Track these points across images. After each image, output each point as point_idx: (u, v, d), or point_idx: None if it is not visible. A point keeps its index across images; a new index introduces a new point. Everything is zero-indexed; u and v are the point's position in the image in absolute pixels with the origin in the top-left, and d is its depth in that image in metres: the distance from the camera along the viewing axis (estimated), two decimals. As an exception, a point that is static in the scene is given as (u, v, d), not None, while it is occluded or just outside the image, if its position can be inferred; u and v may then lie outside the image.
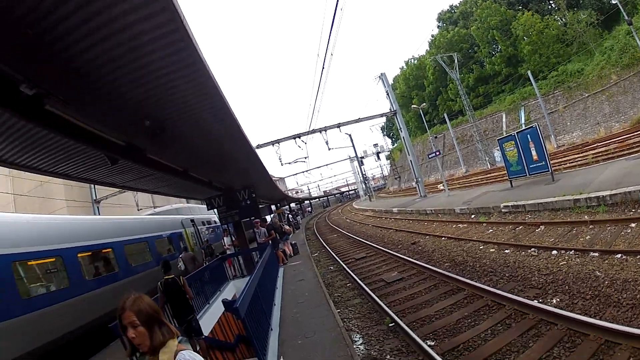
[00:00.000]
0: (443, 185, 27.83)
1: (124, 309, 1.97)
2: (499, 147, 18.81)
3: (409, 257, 11.42)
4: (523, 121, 37.09)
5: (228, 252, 16.99)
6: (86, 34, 3.68)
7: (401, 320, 6.55)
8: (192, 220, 21.57)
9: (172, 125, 6.50)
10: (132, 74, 4.55)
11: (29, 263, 8.43)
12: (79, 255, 10.21)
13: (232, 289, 13.02)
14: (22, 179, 26.48)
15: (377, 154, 64.38)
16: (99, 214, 26.89)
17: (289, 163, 41.42)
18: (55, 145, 6.37)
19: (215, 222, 24.97)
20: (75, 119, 5.62)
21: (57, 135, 5.66)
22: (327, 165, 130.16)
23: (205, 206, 16.38)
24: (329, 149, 31.47)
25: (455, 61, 45.48)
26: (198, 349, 7.35)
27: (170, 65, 4.55)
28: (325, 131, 27.44)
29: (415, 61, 64.85)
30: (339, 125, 28.20)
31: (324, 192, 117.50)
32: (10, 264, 7.75)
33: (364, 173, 65.00)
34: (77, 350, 8.46)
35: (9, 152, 6.33)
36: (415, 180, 31.64)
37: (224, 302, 5.58)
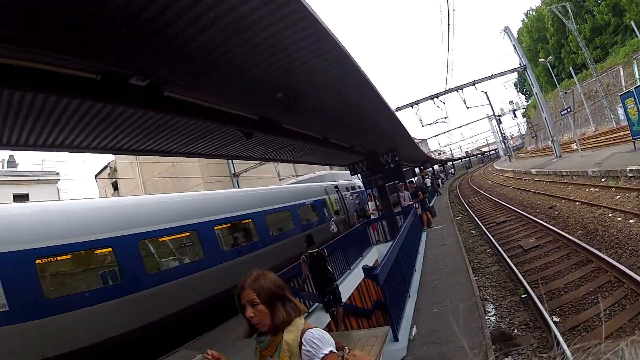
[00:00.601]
0: (576, 145, 25.85)
1: (243, 288, 1.92)
2: (621, 104, 16.21)
3: (546, 222, 11.20)
4: (638, 76, 30.33)
5: (372, 217, 17.16)
6: (194, 18, 3.70)
7: (533, 291, 6.38)
8: (335, 187, 22.15)
9: (306, 95, 6.54)
10: (252, 50, 4.55)
11: (160, 240, 9.28)
12: (215, 228, 11.00)
13: (374, 254, 13.12)
14: (152, 162, 28.82)
15: (514, 111, 60.50)
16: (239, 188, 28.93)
17: (430, 124, 42.64)
18: (184, 128, 6.80)
19: (359, 187, 25.39)
20: (201, 100, 5.89)
21: (182, 117, 6.05)
22: (467, 125, 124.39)
23: (349, 172, 16.57)
24: (467, 108, 31.31)
25: (569, 11, 39.00)
26: (335, 314, 7.50)
27: (290, 37, 4.49)
28: (462, 89, 27.32)
29: (534, 12, 59.14)
30: (473, 83, 27.76)
31: (466, 152, 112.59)
32: (137, 242, 8.64)
33: (502, 132, 61.92)
34: (212, 316, 9.11)
35: (131, 141, 6.81)
36: (550, 138, 30.00)
37: (364, 268, 5.60)
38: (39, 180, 21.73)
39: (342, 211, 21.42)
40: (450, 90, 27.45)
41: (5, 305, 6.70)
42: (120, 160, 33.00)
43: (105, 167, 35.84)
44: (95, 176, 37.20)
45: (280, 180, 30.60)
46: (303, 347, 1.78)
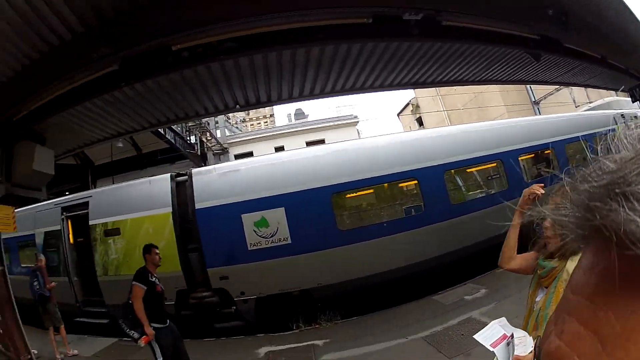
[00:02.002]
0: None
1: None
2: None
3: None
4: None
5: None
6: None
7: None
8: (622, 115, 17.97)
9: (576, 8, 5.88)
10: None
11: (464, 170, 9.32)
12: (520, 157, 10.47)
13: None
14: (454, 94, 28.03)
15: None
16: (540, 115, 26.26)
17: None
18: (469, 54, 6.88)
19: None
20: (480, 24, 5.86)
21: (464, 44, 6.17)
22: None
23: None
24: None
25: None
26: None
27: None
28: None
29: None
30: None
31: None
32: (442, 173, 8.72)
33: None
34: None
35: (417, 74, 7.19)
36: None
37: None
38: (337, 125, 23.87)
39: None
40: None
41: (289, 239, 7.95)
42: (422, 96, 34.46)
43: (407, 105, 38.02)
44: (398, 114, 39.89)
45: (576, 107, 26.13)
46: None
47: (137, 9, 4.08)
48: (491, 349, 1.75)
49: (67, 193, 13.85)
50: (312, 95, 7.34)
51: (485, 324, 1.94)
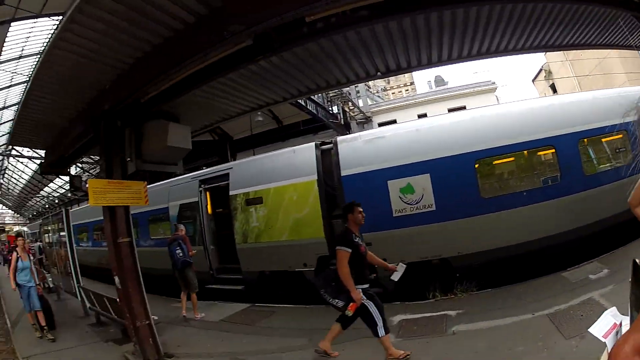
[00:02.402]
0: None
1: None
2: None
3: None
4: None
5: None
6: None
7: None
8: None
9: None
10: None
11: (600, 139, 8.38)
12: None
13: None
14: (582, 60, 25.63)
15: None
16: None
17: None
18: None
19: None
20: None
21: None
22: None
23: None
24: None
25: None
26: None
27: None
28: None
29: None
30: None
31: None
32: (577, 142, 8.00)
33: None
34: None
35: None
36: None
37: None
38: (475, 92, 23.22)
39: None
40: None
41: (433, 205, 7.84)
42: (553, 61, 31.55)
43: (540, 70, 34.83)
44: (532, 80, 36.92)
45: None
46: None
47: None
48: (603, 339, 1.73)
49: (203, 167, 14.69)
50: (449, 60, 7.21)
51: (602, 307, 1.91)
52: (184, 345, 6.69)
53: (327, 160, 8.94)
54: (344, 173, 8.52)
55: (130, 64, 5.40)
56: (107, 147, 6.35)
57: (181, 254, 8.26)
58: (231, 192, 10.07)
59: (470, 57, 7.15)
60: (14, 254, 7.87)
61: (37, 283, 8.05)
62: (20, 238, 8.59)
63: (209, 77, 5.40)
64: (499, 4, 5.32)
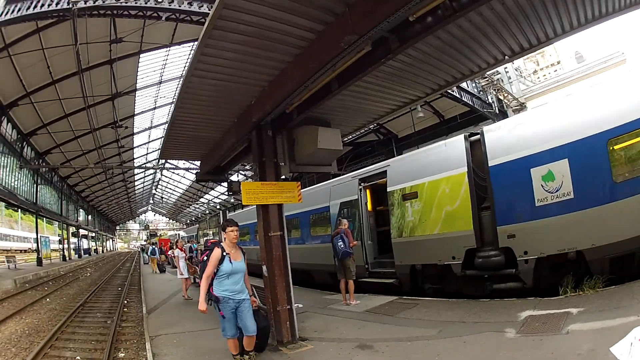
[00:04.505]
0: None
1: None
2: None
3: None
4: None
5: None
6: None
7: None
8: None
9: None
10: None
11: None
12: None
13: None
14: None
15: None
16: None
17: None
18: None
19: None
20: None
21: None
22: None
23: None
24: None
25: None
26: None
27: None
28: None
29: None
30: None
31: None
32: None
33: None
34: None
35: None
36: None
37: None
38: (606, 67, 21.49)
39: None
40: None
41: (571, 193, 7.49)
42: None
43: None
44: None
45: None
46: None
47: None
48: None
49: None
50: (587, 23, 6.51)
51: None
52: (320, 331, 7.47)
53: (477, 151, 9.15)
54: (491, 163, 8.66)
55: (269, 80, 6.46)
56: (259, 154, 7.53)
57: (342, 246, 9.32)
58: (389, 189, 10.84)
59: (605, 15, 6.47)
60: (216, 250, 5.40)
61: (251, 294, 5.89)
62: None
63: (342, 83, 6.17)
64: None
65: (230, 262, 5.41)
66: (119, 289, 16.26)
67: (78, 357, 7.00)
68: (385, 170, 11.14)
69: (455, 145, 9.51)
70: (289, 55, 5.77)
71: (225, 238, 5.64)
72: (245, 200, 7.03)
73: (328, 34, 5.18)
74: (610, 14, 6.51)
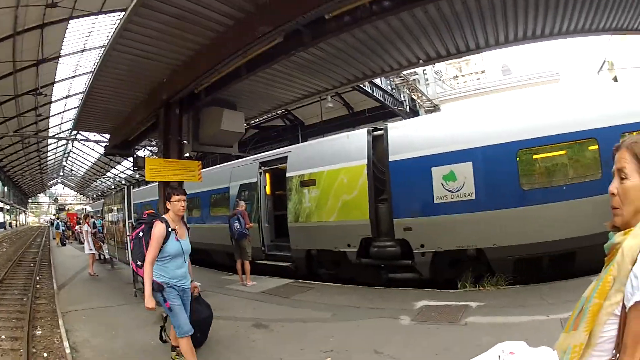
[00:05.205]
0: None
1: (619, 146, 1.43)
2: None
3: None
4: None
5: None
6: None
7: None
8: None
9: None
10: None
11: None
12: None
13: None
14: None
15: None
16: None
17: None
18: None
19: None
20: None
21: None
22: None
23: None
24: None
25: None
26: None
27: None
28: None
29: None
30: None
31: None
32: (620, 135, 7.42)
33: None
34: None
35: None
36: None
37: None
38: (538, 82, 23.00)
39: None
40: None
41: (473, 194, 7.94)
42: (616, 50, 29.99)
43: (604, 62, 33.16)
44: (597, 72, 35.24)
45: None
46: (635, 267, 1.21)
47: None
48: None
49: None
50: (516, 41, 7.37)
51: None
52: (217, 309, 7.47)
53: (379, 145, 9.46)
54: (391, 158, 8.98)
55: (183, 60, 6.51)
56: (165, 131, 7.57)
57: (238, 227, 9.32)
58: (288, 174, 10.95)
59: (535, 38, 7.29)
60: (160, 225, 4.12)
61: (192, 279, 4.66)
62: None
63: (251, 70, 6.37)
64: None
65: (177, 240, 4.24)
66: (32, 264, 15.63)
67: (3, 336, 6.76)
68: (286, 156, 11.28)
69: (357, 137, 9.83)
70: (205, 39, 5.87)
71: (169, 210, 4.33)
72: (149, 176, 7.07)
73: (245, 22, 5.35)
74: (531, 39, 7.22)
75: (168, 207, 4.34)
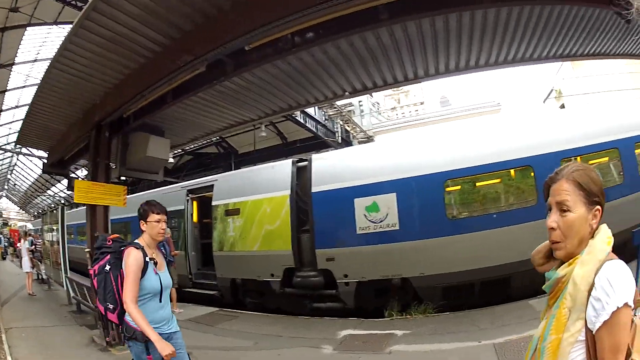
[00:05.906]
0: None
1: (555, 179, 1.45)
2: None
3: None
4: None
5: None
6: None
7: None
8: None
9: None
10: None
11: (584, 157, 8.10)
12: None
13: None
14: (593, 77, 25.20)
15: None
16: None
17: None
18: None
19: None
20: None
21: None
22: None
23: None
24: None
25: None
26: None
27: None
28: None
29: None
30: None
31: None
32: (560, 162, 7.64)
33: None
34: None
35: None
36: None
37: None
38: (479, 112, 23.21)
39: None
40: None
41: (397, 225, 8.11)
42: (564, 78, 31.40)
43: (551, 91, 34.77)
44: (544, 101, 36.93)
45: None
46: (593, 292, 1.26)
47: (208, 21, 5.10)
48: None
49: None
50: (457, 70, 7.48)
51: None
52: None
53: (303, 176, 9.68)
54: (314, 189, 9.18)
55: (114, 84, 6.67)
56: (94, 153, 7.60)
57: (164, 253, 9.19)
58: (214, 203, 11.18)
59: (478, 67, 7.40)
60: (136, 253, 3.14)
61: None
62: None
63: (177, 97, 6.57)
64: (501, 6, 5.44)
65: (156, 273, 3.24)
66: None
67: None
68: (213, 185, 11.55)
69: (282, 168, 10.06)
70: (134, 63, 6.04)
71: (144, 233, 3.33)
72: (77, 198, 7.09)
73: (170, 50, 5.56)
74: (474, 68, 7.36)
75: (143, 228, 3.33)
